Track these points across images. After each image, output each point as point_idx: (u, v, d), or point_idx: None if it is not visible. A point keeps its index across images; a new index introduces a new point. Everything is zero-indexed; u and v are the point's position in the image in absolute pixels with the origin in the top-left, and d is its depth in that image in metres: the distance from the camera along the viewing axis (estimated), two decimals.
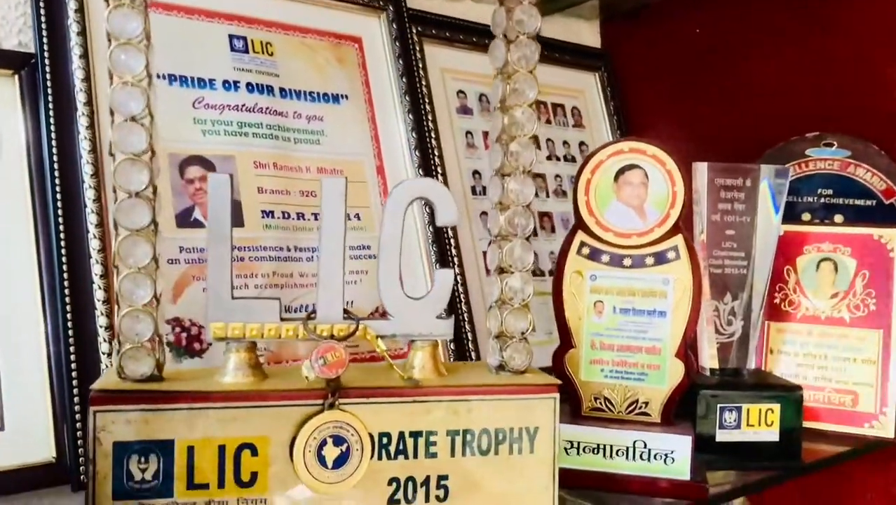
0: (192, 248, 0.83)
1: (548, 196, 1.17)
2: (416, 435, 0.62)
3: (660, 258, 0.79)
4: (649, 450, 0.77)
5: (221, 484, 0.58)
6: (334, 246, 0.63)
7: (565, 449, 0.78)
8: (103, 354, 0.74)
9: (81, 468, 0.70)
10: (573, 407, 0.81)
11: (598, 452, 0.78)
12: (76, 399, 0.73)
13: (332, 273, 0.63)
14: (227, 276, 0.61)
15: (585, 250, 0.80)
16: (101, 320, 0.75)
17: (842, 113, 1.08)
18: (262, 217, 0.88)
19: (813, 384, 0.99)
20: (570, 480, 0.75)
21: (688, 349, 0.79)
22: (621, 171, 0.79)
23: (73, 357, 0.74)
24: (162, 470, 0.57)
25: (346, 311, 0.63)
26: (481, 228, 1.07)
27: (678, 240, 0.78)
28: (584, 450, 0.78)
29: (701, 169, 0.90)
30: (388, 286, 0.64)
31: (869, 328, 0.98)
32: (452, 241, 1.00)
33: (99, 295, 0.75)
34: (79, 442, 0.72)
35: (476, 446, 0.63)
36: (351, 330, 0.62)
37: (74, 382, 0.73)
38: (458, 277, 0.99)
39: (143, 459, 0.57)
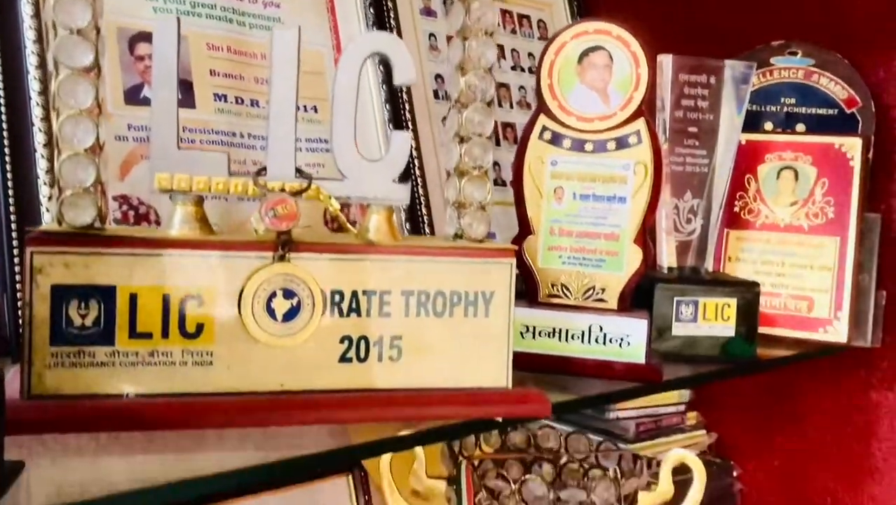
0: (140, 126, 0.80)
1: (511, 107, 1.15)
2: (369, 294, 0.60)
3: (621, 143, 0.78)
4: (605, 334, 0.77)
5: (165, 334, 0.56)
6: (285, 102, 0.60)
7: (521, 333, 0.77)
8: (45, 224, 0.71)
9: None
10: (530, 294, 0.80)
11: (553, 335, 0.77)
12: (17, 268, 0.70)
13: (284, 130, 0.61)
14: (173, 123, 0.58)
15: (547, 135, 0.79)
16: (45, 190, 0.72)
17: (807, 22, 1.08)
18: (215, 100, 0.85)
19: (770, 291, 1.00)
20: (525, 364, 0.74)
21: (647, 237, 0.78)
22: (585, 53, 0.78)
23: (13, 226, 0.71)
24: (103, 317, 0.55)
25: (298, 169, 0.61)
26: (443, 134, 1.06)
27: (640, 124, 0.77)
28: (539, 334, 0.77)
29: (666, 62, 0.89)
30: (342, 144, 0.62)
31: (826, 235, 0.99)
32: (409, 111, 0.98)
33: (42, 165, 0.72)
34: (20, 312, 0.69)
35: (431, 308, 0.62)
36: (303, 186, 0.60)
37: (15, 253, 0.71)
38: (413, 148, 0.98)
39: (83, 305, 0.54)
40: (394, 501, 0.74)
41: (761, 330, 0.92)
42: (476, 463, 0.71)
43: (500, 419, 0.62)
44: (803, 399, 1.12)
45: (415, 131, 0.99)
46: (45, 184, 0.71)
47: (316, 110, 0.92)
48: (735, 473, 1.17)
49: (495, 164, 1.11)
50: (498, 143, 1.12)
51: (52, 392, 0.54)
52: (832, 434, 1.10)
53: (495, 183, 1.10)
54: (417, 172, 0.97)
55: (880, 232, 1.00)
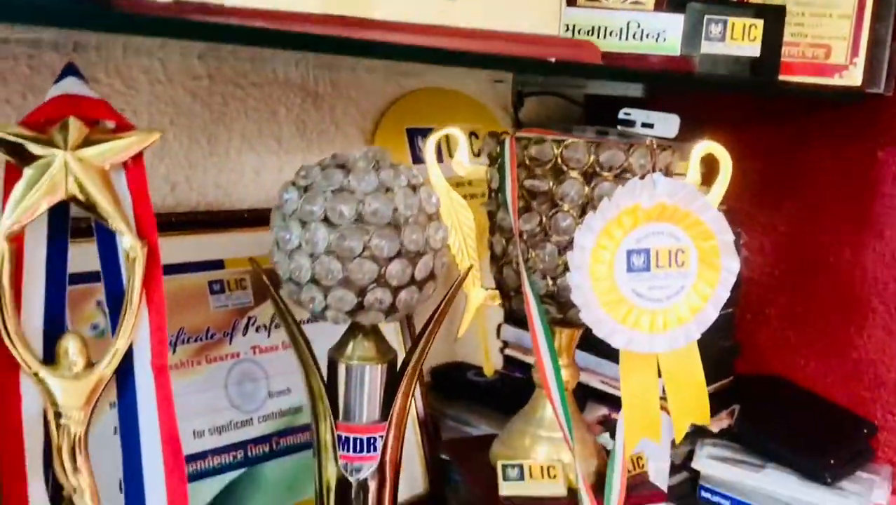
0: None
1: None
2: None
3: None
4: (642, 30, 0.80)
5: None
6: None
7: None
8: None
9: None
10: None
11: (592, 33, 0.80)
12: None
13: None
14: None
15: None
16: None
17: None
18: None
19: (789, 40, 1.02)
20: None
21: None
22: None
23: None
24: None
25: None
26: None
27: None
28: (579, 32, 0.80)
29: None
30: None
31: None
32: None
33: None
34: None
35: None
36: None
37: None
38: None
39: None
40: (436, 182, 0.78)
41: (780, 77, 0.96)
42: (519, 139, 0.75)
43: (553, 60, 0.66)
44: (809, 162, 1.17)
45: None
46: None
47: None
48: (742, 241, 1.23)
49: None
50: None
51: None
52: (836, 193, 1.15)
53: None
54: None
55: None
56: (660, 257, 0.73)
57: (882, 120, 1.09)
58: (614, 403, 1.08)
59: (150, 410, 0.51)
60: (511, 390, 1.08)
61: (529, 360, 1.17)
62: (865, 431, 1.13)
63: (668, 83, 0.81)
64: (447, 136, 0.80)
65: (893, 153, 1.10)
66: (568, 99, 1.20)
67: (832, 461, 1.05)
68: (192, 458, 0.86)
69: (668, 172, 0.77)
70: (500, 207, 0.77)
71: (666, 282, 0.73)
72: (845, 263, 1.15)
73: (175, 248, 0.90)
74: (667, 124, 1.10)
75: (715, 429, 1.08)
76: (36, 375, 0.49)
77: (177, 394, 0.89)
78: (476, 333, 0.91)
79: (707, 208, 0.74)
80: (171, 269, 0.91)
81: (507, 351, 1.25)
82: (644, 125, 1.11)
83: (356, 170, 0.62)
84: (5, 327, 0.48)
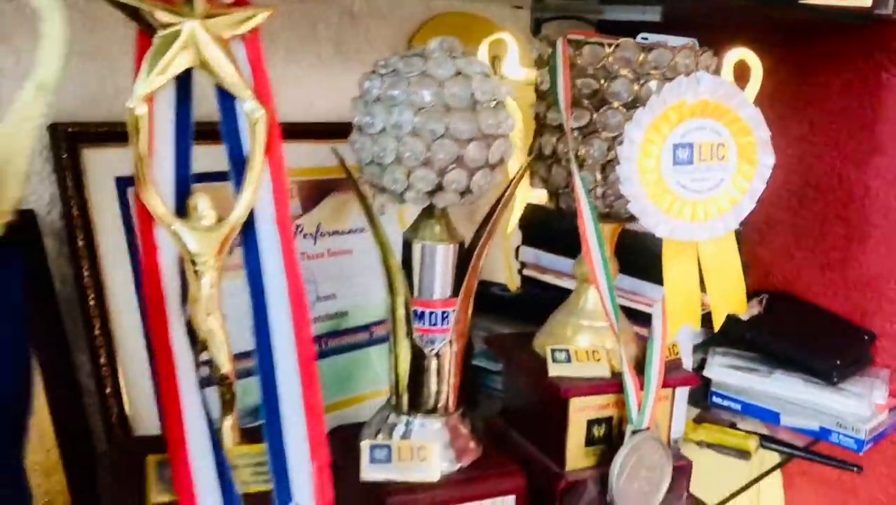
0: None
1: None
2: None
3: None
4: None
5: None
6: None
7: None
8: None
9: None
10: None
11: None
12: None
13: None
14: None
15: None
16: None
17: None
18: None
19: None
20: None
21: None
22: None
23: None
24: None
25: None
26: None
27: None
28: None
29: None
30: None
31: None
32: None
33: None
34: None
35: None
36: None
37: None
38: None
39: None
40: None
41: None
42: (570, 40, 0.80)
43: None
44: (816, 83, 1.23)
45: None
46: None
47: None
48: None
49: None
50: None
51: None
52: (841, 114, 1.21)
53: None
54: None
55: None
56: (702, 151, 0.79)
57: (888, 41, 1.15)
58: (637, 318, 1.14)
59: (275, 263, 0.55)
60: (535, 302, 1.14)
61: (547, 279, 1.23)
62: (866, 337, 1.21)
63: None
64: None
65: None
66: (586, 22, 1.24)
67: (838, 362, 1.12)
68: (245, 355, 0.90)
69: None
70: (551, 108, 0.82)
71: (708, 174, 0.79)
72: (849, 182, 1.22)
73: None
74: None
75: (745, 317, 1.15)
76: (170, 227, 0.53)
77: (231, 294, 0.94)
78: (498, 255, 0.96)
79: (745, 105, 0.79)
80: (222, 175, 0.95)
81: (526, 272, 1.30)
82: None
83: (434, 57, 0.66)
84: (144, 184, 0.52)
